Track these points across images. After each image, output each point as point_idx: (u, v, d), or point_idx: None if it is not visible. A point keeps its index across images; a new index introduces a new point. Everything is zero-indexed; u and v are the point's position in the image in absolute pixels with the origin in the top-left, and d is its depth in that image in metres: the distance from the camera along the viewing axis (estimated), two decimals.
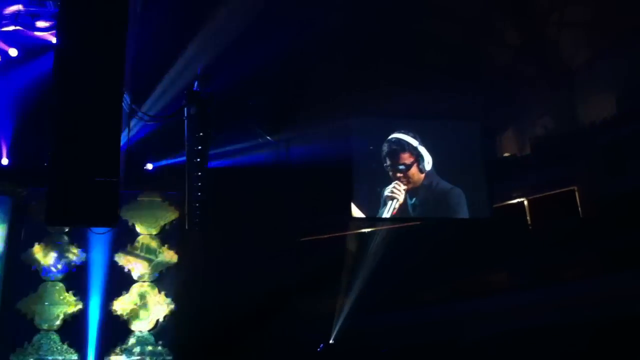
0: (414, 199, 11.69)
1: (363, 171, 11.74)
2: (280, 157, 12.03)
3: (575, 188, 11.92)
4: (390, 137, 11.88)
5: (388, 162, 11.80)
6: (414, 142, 11.85)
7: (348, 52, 11.18)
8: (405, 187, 11.66)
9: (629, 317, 9.47)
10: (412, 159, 11.74)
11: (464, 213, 11.79)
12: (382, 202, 11.64)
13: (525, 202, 12.42)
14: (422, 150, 11.80)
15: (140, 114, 10.05)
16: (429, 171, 11.78)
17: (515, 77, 12.42)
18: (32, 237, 11.59)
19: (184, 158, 10.19)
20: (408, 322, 11.25)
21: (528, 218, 12.37)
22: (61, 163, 6.39)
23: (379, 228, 12.27)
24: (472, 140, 12.24)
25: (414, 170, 11.72)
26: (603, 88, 11.79)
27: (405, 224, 11.99)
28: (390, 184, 11.70)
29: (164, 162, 11.73)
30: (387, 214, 11.56)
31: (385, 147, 11.83)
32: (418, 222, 12.05)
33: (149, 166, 11.91)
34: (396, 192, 11.55)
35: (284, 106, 10.69)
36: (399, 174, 11.69)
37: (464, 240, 11.42)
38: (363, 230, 12.48)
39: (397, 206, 11.60)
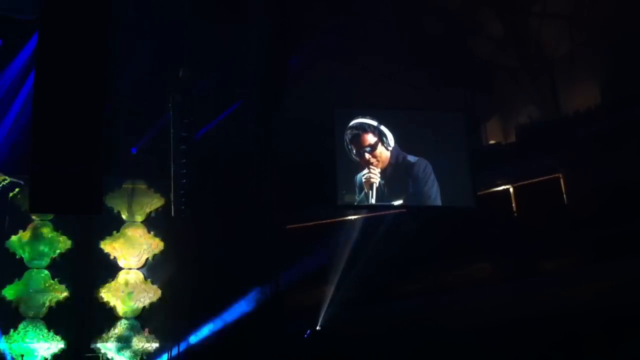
0: (383, 179, 11.64)
1: (347, 160, 11.69)
2: (266, 145, 12.01)
3: (561, 176, 11.97)
4: (350, 124, 11.66)
5: (354, 150, 11.55)
6: (374, 122, 11.77)
7: (331, 43, 11.17)
8: (378, 169, 11.60)
9: (614, 306, 9.54)
10: (375, 139, 11.66)
11: (431, 184, 11.71)
12: (357, 190, 11.53)
13: (511, 190, 12.47)
14: (384, 128, 11.71)
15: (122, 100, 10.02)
16: (393, 148, 11.72)
17: (500, 67, 12.44)
18: (16, 225, 11.55)
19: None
20: (391, 312, 11.32)
21: (513, 205, 12.41)
22: (44, 150, 6.38)
23: (364, 215, 12.31)
24: (457, 129, 12.25)
25: (380, 149, 11.63)
26: (587, 77, 11.85)
27: (390, 212, 12.01)
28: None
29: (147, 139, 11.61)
30: (372, 199, 11.50)
31: (347, 136, 11.59)
32: (403, 210, 12.06)
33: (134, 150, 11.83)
34: (373, 176, 11.46)
35: (268, 95, 10.68)
36: (367, 156, 11.60)
37: (448, 228, 11.48)
38: (349, 217, 12.51)
39: (373, 188, 11.55)
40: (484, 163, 12.14)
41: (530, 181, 12.26)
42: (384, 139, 11.56)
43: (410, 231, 11.45)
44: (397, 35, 11.43)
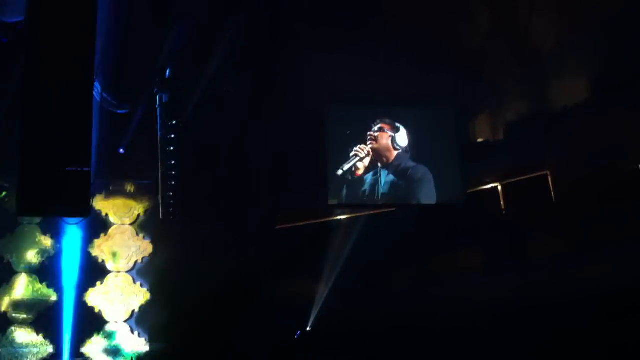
0: (384, 177, 11.77)
1: (338, 158, 11.75)
2: (255, 144, 12.00)
3: (548, 172, 12.02)
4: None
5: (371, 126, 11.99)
6: (397, 122, 12.06)
7: (319, 36, 11.14)
8: (370, 148, 11.77)
9: (599, 295, 9.58)
10: (388, 127, 11.87)
11: (428, 190, 11.86)
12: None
13: (499, 187, 12.50)
14: (402, 129, 11.92)
15: (111, 101, 9.94)
16: (401, 153, 11.86)
17: (487, 63, 12.44)
18: (4, 228, 11.44)
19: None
20: (384, 307, 11.31)
21: (502, 203, 12.44)
22: (32, 153, 6.32)
23: (355, 215, 12.32)
24: (446, 126, 12.32)
25: (385, 137, 11.83)
26: (575, 71, 11.87)
27: (381, 211, 12.05)
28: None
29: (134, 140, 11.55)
30: (346, 166, 11.62)
31: (378, 121, 12.03)
32: (393, 209, 12.11)
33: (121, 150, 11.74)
34: (359, 150, 11.68)
35: (258, 93, 10.64)
36: (369, 135, 11.84)
37: (438, 225, 11.51)
38: (339, 217, 12.52)
39: (358, 165, 11.69)
40: (472, 160, 12.19)
41: (518, 178, 12.29)
42: (395, 132, 11.80)
43: (400, 227, 11.45)
44: (387, 26, 11.40)
